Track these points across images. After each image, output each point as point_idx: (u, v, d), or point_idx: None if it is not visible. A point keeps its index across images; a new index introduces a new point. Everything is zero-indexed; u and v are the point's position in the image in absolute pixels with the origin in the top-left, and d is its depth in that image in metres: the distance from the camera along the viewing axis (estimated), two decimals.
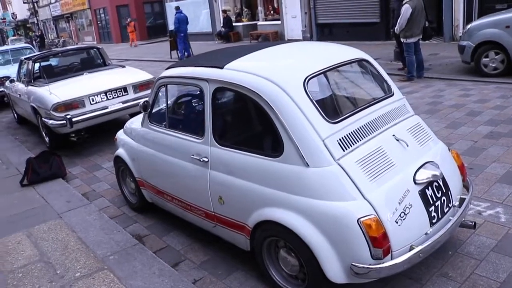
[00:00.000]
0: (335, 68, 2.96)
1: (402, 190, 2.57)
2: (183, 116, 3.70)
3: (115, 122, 6.89)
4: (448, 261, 3.02)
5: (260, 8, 18.73)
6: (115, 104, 6.26)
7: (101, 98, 6.16)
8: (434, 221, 2.65)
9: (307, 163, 2.50)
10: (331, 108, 3.10)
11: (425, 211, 2.62)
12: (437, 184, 2.75)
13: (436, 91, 7.47)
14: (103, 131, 6.91)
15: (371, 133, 2.75)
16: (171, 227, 3.93)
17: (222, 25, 19.10)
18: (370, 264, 2.40)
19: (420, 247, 2.49)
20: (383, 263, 2.40)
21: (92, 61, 7.60)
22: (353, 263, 2.41)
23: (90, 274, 3.20)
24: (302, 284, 2.75)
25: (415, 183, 2.64)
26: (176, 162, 3.34)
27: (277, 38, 17.32)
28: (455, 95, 7.10)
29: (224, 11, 18.92)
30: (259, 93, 2.66)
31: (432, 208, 2.67)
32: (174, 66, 3.48)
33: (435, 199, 2.70)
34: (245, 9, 19.66)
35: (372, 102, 2.94)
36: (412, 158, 2.77)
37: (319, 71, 2.83)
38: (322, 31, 15.94)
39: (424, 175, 2.68)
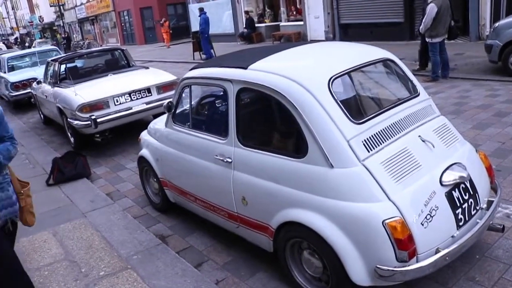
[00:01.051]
0: (359, 68, 2.92)
1: (428, 192, 2.52)
2: (206, 116, 3.71)
3: (139, 123, 6.98)
4: (475, 265, 2.95)
5: (282, 9, 18.70)
6: (139, 105, 6.35)
7: (125, 99, 6.25)
8: (461, 223, 2.59)
9: (331, 164, 2.48)
10: (356, 108, 3.06)
11: (451, 214, 2.57)
12: (464, 186, 2.68)
13: (461, 92, 7.31)
14: (127, 131, 7.00)
15: (396, 134, 2.70)
16: (194, 228, 3.95)
17: (244, 26, 19.14)
18: (395, 267, 2.36)
19: (446, 250, 2.44)
20: (408, 265, 2.36)
21: (116, 63, 7.72)
22: (378, 266, 2.37)
23: (114, 273, 3.25)
24: (326, 286, 2.73)
25: (442, 184, 2.59)
26: (199, 162, 3.36)
27: (300, 38, 17.24)
28: (481, 95, 6.93)
29: (247, 12, 18.96)
30: (283, 93, 2.65)
31: (459, 210, 2.61)
32: (198, 67, 3.50)
33: (462, 201, 2.64)
34: (268, 10, 19.65)
35: (398, 103, 2.89)
36: (439, 159, 2.72)
37: (344, 71, 2.80)
38: (345, 32, 15.79)
39: (451, 177, 2.62)
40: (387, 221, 2.34)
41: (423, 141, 2.74)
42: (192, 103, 3.56)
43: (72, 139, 6.72)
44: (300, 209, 2.62)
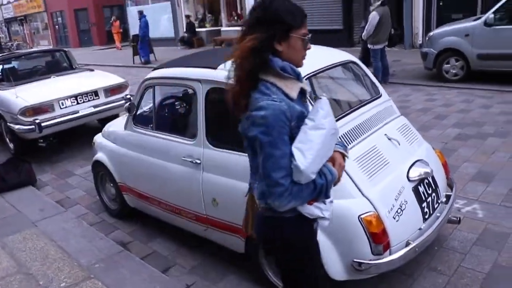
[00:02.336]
0: (325, 70, 3.01)
1: (398, 187, 2.65)
2: (172, 118, 3.64)
3: (83, 128, 6.67)
4: (435, 256, 3.13)
5: (223, 14, 18.73)
6: (86, 109, 6.06)
7: (71, 102, 5.94)
8: (426, 216, 2.74)
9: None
10: None
11: (418, 207, 2.71)
12: (427, 181, 2.85)
13: (402, 96, 7.73)
14: (71, 136, 6.66)
15: (364, 133, 2.81)
16: (155, 233, 3.84)
17: (185, 30, 18.93)
18: (370, 260, 2.44)
19: (416, 242, 2.57)
20: (382, 258, 2.46)
21: (58, 64, 7.32)
22: (354, 259, 2.45)
23: (77, 284, 3.07)
24: None
25: (409, 180, 2.73)
26: (164, 165, 3.27)
27: None
28: (421, 99, 7.38)
29: (187, 16, 18.78)
30: None
31: (424, 204, 2.76)
32: (161, 67, 3.42)
33: (426, 196, 2.79)
34: (208, 15, 19.61)
35: (363, 103, 3.01)
36: (404, 157, 2.86)
37: (311, 73, 2.86)
38: None
39: (417, 173, 2.77)
40: (362, 216, 2.42)
41: (389, 139, 2.88)
42: (156, 104, 3.46)
43: (11, 145, 6.26)
44: None
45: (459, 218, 3.11)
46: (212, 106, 2.93)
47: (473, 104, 6.77)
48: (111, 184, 4.12)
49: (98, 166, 4.16)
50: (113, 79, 6.60)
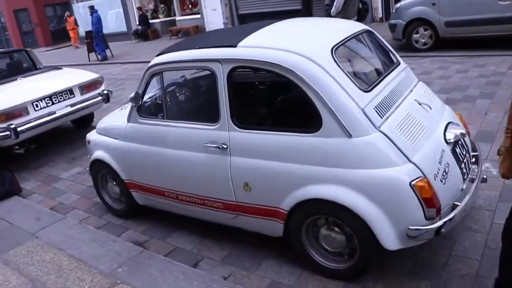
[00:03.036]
0: (350, 39, 2.90)
1: (439, 150, 2.60)
2: (186, 104, 3.42)
3: (57, 130, 6.25)
4: (465, 216, 3.13)
5: (175, 3, 18.19)
6: (62, 108, 5.66)
7: (46, 103, 5.52)
8: (465, 177, 2.73)
9: (349, 134, 2.42)
10: (358, 77, 3.04)
11: (458, 169, 2.69)
12: (461, 143, 2.83)
13: None
14: (46, 139, 6.23)
15: (397, 100, 2.75)
16: (171, 228, 3.63)
17: (138, 23, 18.25)
18: (423, 226, 2.39)
19: (463, 204, 2.54)
20: (435, 223, 2.41)
21: (21, 65, 6.77)
22: (410, 227, 2.38)
23: None
24: (349, 259, 2.69)
25: (447, 142, 2.69)
26: (182, 154, 3.07)
27: (198, 32, 16.96)
28: None
29: (140, 8, 18.09)
30: (289, 67, 2.51)
31: (462, 165, 2.74)
32: (165, 52, 3.18)
33: (462, 157, 2.78)
34: (161, 5, 18.99)
35: (388, 71, 2.94)
36: (436, 120, 2.82)
37: (341, 41, 2.75)
38: (244, 22, 15.90)
39: (453, 135, 2.74)
40: (413, 182, 2.36)
41: (419, 104, 2.83)
42: (166, 91, 3.23)
43: None
44: (319, 185, 2.53)
45: (486, 177, 3.13)
46: (235, 86, 2.76)
47: (450, 70, 6.92)
48: (114, 183, 3.86)
49: (98, 166, 3.87)
50: (87, 75, 6.20)
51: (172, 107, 3.31)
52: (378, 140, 2.43)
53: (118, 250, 3.32)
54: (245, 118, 2.81)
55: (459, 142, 2.79)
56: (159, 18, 18.77)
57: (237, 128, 2.77)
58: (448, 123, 2.84)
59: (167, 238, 3.51)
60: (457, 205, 2.52)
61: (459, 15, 7.75)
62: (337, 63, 2.56)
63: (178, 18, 18.06)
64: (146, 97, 3.46)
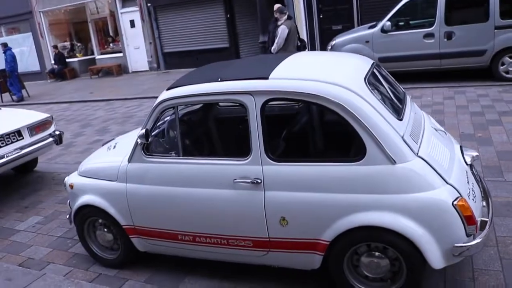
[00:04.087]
0: (372, 70, 3.03)
1: (464, 172, 2.80)
2: (207, 139, 3.25)
3: None
4: None
5: (93, 42, 17.52)
6: (11, 152, 5.08)
7: None
8: (482, 195, 2.94)
9: (394, 161, 2.51)
10: (388, 107, 3.15)
11: (478, 188, 2.90)
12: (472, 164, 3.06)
13: None
14: None
15: (421, 127, 2.91)
16: (178, 274, 3.38)
17: (54, 62, 17.20)
18: (466, 242, 2.52)
19: (488, 219, 2.73)
20: (476, 239, 2.55)
21: None
22: (456, 244, 2.49)
23: None
24: (391, 284, 2.72)
25: (467, 164, 2.90)
26: (205, 193, 2.92)
27: (121, 71, 16.48)
28: None
29: (55, 47, 17.05)
30: (331, 98, 2.56)
31: (479, 183, 2.96)
32: (178, 85, 3.04)
33: (478, 177, 3.00)
34: (77, 44, 18.15)
35: (404, 100, 3.10)
36: (451, 144, 3.04)
37: (368, 72, 2.87)
38: (170, 60, 15.82)
39: (470, 158, 2.96)
40: (455, 202, 2.49)
41: (436, 130, 3.03)
42: (181, 127, 3.06)
43: None
44: (365, 212, 2.56)
45: None
46: (268, 118, 2.73)
47: None
48: (105, 230, 3.52)
49: (86, 212, 3.51)
50: (35, 115, 5.66)
51: (189, 144, 3.14)
52: (419, 165, 2.54)
53: None
54: (279, 151, 2.77)
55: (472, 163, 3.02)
56: (76, 56, 17.88)
57: (271, 162, 2.72)
58: (460, 146, 3.06)
59: (179, 285, 3.25)
60: (485, 221, 2.70)
61: (391, 51, 8.52)
62: (372, 93, 2.66)
63: (98, 56, 17.38)
64: (170, 132, 3.26)
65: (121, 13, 15.98)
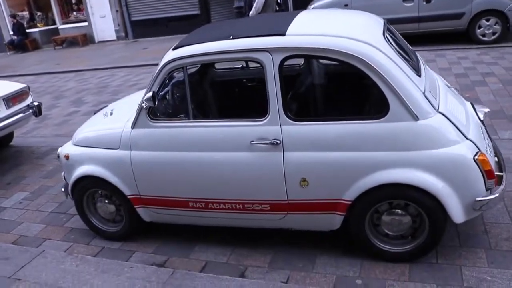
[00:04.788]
0: (387, 27, 2.95)
1: (479, 128, 2.80)
2: (219, 100, 3.10)
3: None
4: None
5: (55, 11, 16.57)
6: None
7: None
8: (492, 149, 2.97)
9: (416, 117, 2.47)
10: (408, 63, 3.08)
11: (491, 143, 2.92)
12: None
13: None
14: None
15: (436, 84, 2.88)
16: (187, 243, 3.29)
17: (12, 33, 16.20)
18: (487, 196, 2.54)
19: (504, 173, 2.77)
20: (495, 192, 2.58)
21: None
22: (477, 198, 2.51)
23: None
24: (412, 240, 2.73)
25: (480, 120, 2.90)
26: (219, 156, 2.81)
27: (86, 41, 15.75)
28: None
29: (14, 16, 16.04)
30: (353, 53, 2.46)
31: (489, 138, 2.98)
32: (185, 44, 2.85)
33: (488, 133, 3.02)
34: (37, 13, 17.11)
35: (417, 58, 3.04)
36: (463, 102, 3.03)
37: (384, 28, 2.79)
38: (139, 28, 15.23)
39: (482, 114, 2.97)
40: (476, 157, 2.50)
41: (448, 87, 3.00)
42: (190, 89, 2.89)
43: None
44: (389, 170, 2.53)
45: None
46: (288, 77, 2.61)
47: None
48: (107, 201, 3.36)
49: (85, 184, 3.33)
50: (10, 86, 5.28)
51: (200, 106, 2.98)
52: (441, 121, 2.52)
53: (143, 275, 2.89)
54: (299, 110, 2.67)
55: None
56: (37, 27, 16.89)
57: (291, 121, 2.62)
58: (471, 103, 3.06)
59: (190, 254, 3.17)
60: (501, 175, 2.73)
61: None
62: (392, 49, 2.59)
63: (61, 26, 16.50)
64: (178, 95, 3.08)
65: None
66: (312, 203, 2.73)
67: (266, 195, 2.80)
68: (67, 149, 3.46)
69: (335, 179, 2.63)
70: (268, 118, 2.66)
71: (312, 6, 9.23)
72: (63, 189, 3.58)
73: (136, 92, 4.52)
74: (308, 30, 2.68)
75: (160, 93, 3.05)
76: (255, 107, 2.66)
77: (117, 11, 15.09)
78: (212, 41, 2.77)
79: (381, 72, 2.45)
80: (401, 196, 2.61)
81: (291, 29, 2.65)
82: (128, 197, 3.20)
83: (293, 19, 2.83)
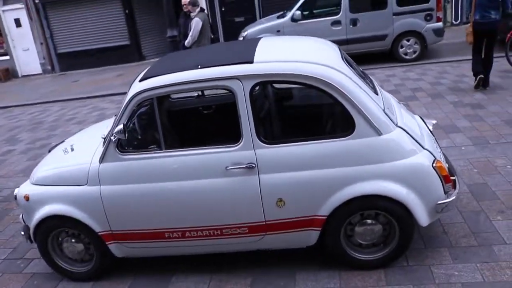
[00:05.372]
0: (341, 51, 3.18)
1: (432, 138, 3.10)
2: (192, 128, 3.11)
3: None
4: None
5: None
6: None
7: None
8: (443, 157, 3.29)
9: (380, 132, 2.70)
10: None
11: (440, 150, 3.23)
12: None
13: None
14: None
15: (390, 101, 3.15)
16: (162, 275, 3.23)
17: None
18: (446, 199, 2.81)
19: (456, 177, 3.07)
20: (453, 195, 2.86)
21: None
22: (439, 202, 2.77)
23: None
24: (384, 247, 2.92)
25: (430, 131, 3.21)
26: (196, 184, 2.83)
27: (9, 75, 14.87)
28: None
29: None
30: (320, 77, 2.65)
31: (439, 147, 3.30)
32: (152, 75, 2.88)
33: (436, 141, 3.34)
34: None
35: (369, 78, 3.31)
36: (413, 115, 3.33)
37: (341, 52, 3.01)
38: (66, 61, 14.67)
39: (431, 125, 3.29)
40: (434, 165, 2.77)
41: (399, 102, 3.29)
42: (162, 118, 2.91)
43: None
44: (359, 183, 2.72)
45: None
46: (259, 102, 2.73)
47: None
48: (74, 241, 3.23)
49: (50, 225, 3.17)
50: None
51: (171, 135, 2.99)
52: (401, 134, 2.77)
53: None
54: (271, 134, 2.79)
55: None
56: None
57: (264, 145, 2.74)
58: (420, 116, 3.38)
59: (169, 286, 3.12)
60: (455, 179, 3.03)
61: None
62: (352, 71, 2.81)
63: None
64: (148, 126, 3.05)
65: (3, 11, 14.39)
66: (289, 222, 2.84)
67: (244, 218, 2.87)
68: (26, 189, 3.29)
69: (310, 197, 2.77)
70: (241, 143, 2.75)
71: (245, 33, 9.54)
72: (22, 233, 3.38)
73: (89, 126, 4.41)
74: (274, 57, 2.84)
75: (130, 125, 3.04)
76: (228, 133, 2.74)
77: (41, 43, 14.46)
78: (180, 71, 2.83)
79: (345, 93, 2.65)
80: (372, 207, 2.80)
81: (257, 56, 2.79)
82: (99, 233, 3.10)
83: (255, 47, 2.98)
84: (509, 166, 4.03)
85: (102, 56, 14.29)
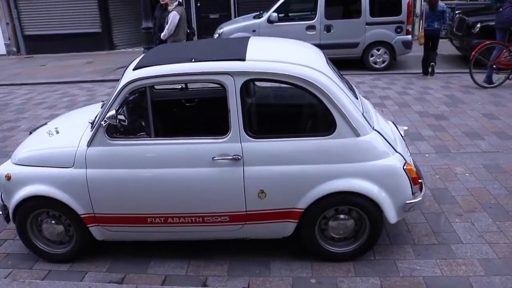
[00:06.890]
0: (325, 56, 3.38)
1: (403, 143, 3.36)
2: (182, 118, 3.21)
3: None
4: None
5: None
6: None
7: None
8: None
9: (358, 134, 2.92)
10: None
11: (410, 154, 3.49)
12: None
13: None
14: None
15: (368, 106, 3.38)
16: (141, 259, 3.33)
17: None
18: (413, 200, 3.07)
19: (422, 180, 3.34)
20: (420, 196, 3.12)
21: None
22: (407, 201, 3.02)
23: None
24: (354, 241, 3.15)
25: (402, 136, 3.47)
26: (183, 173, 2.96)
27: None
28: None
29: None
30: (307, 78, 2.84)
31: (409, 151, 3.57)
32: (147, 65, 2.97)
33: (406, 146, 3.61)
34: None
35: (349, 83, 3.53)
36: (387, 121, 3.58)
37: (325, 57, 3.21)
38: (33, 44, 14.23)
39: (403, 131, 3.55)
40: (404, 167, 3.02)
41: (374, 108, 3.53)
42: (152, 107, 3.00)
43: None
44: (336, 180, 2.93)
45: None
46: (248, 98, 2.89)
47: None
48: (54, 222, 3.26)
49: (31, 206, 3.19)
50: None
51: (162, 124, 3.09)
52: (376, 137, 3.00)
53: None
54: (258, 129, 2.95)
55: None
56: None
57: (251, 138, 2.89)
58: (393, 122, 3.63)
59: (147, 270, 3.22)
60: (421, 182, 3.29)
61: None
62: (336, 75, 3.02)
63: None
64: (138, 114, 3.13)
65: None
66: (268, 213, 3.01)
67: (226, 207, 3.01)
68: (8, 168, 3.29)
69: (290, 190, 2.95)
70: (229, 136, 2.90)
71: (221, 30, 9.64)
72: (0, 213, 3.38)
73: (61, 111, 4.41)
74: (265, 56, 3.00)
75: (120, 112, 3.12)
76: (217, 125, 2.88)
77: (7, 23, 13.95)
78: (174, 63, 2.94)
79: (329, 95, 2.85)
80: (346, 202, 3.02)
81: (249, 55, 2.95)
82: (81, 216, 3.15)
83: (246, 45, 3.13)
84: (467, 174, 4.37)
85: (71, 42, 13.96)
